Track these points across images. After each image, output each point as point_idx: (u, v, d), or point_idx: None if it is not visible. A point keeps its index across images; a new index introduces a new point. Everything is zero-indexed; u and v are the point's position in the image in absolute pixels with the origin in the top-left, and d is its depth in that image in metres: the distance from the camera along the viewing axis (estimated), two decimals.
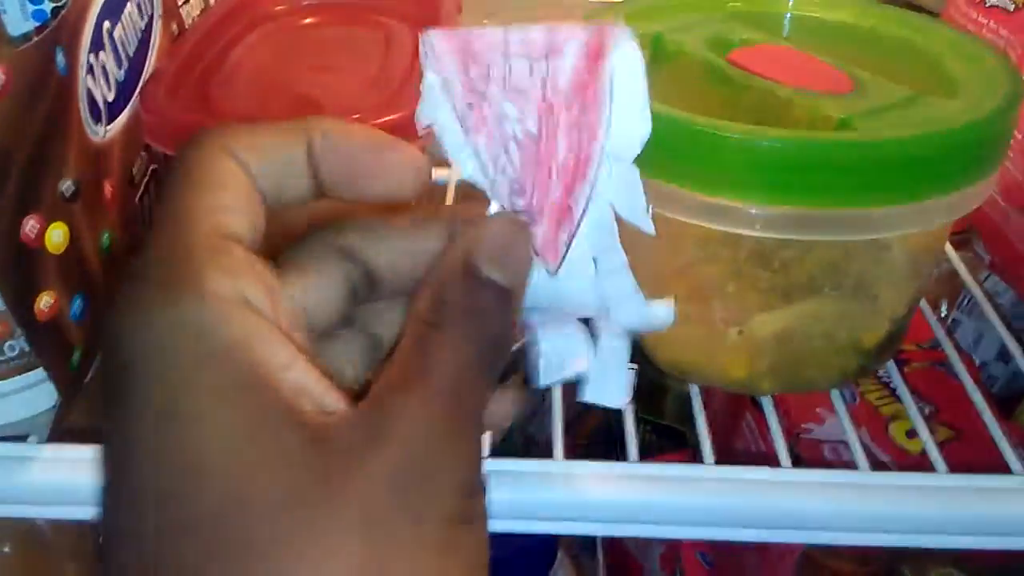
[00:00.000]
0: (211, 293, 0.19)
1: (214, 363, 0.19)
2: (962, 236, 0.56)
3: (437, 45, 0.23)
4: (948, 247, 0.51)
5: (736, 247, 0.34)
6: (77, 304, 0.33)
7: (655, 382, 0.65)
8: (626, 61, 0.23)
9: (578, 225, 0.24)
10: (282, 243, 0.23)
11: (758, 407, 0.49)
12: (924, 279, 0.38)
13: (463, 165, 0.23)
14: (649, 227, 0.23)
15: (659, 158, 0.33)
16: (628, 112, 0.23)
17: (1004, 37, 0.43)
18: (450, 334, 0.21)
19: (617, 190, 0.24)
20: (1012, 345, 0.43)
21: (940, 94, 0.35)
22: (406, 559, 0.18)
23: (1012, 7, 0.43)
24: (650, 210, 0.23)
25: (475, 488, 0.20)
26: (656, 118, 0.33)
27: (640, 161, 0.33)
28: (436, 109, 0.23)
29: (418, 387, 0.20)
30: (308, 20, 0.48)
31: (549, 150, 0.23)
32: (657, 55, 0.40)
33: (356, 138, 0.23)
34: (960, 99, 0.34)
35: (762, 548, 0.51)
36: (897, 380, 0.41)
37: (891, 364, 0.42)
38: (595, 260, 0.24)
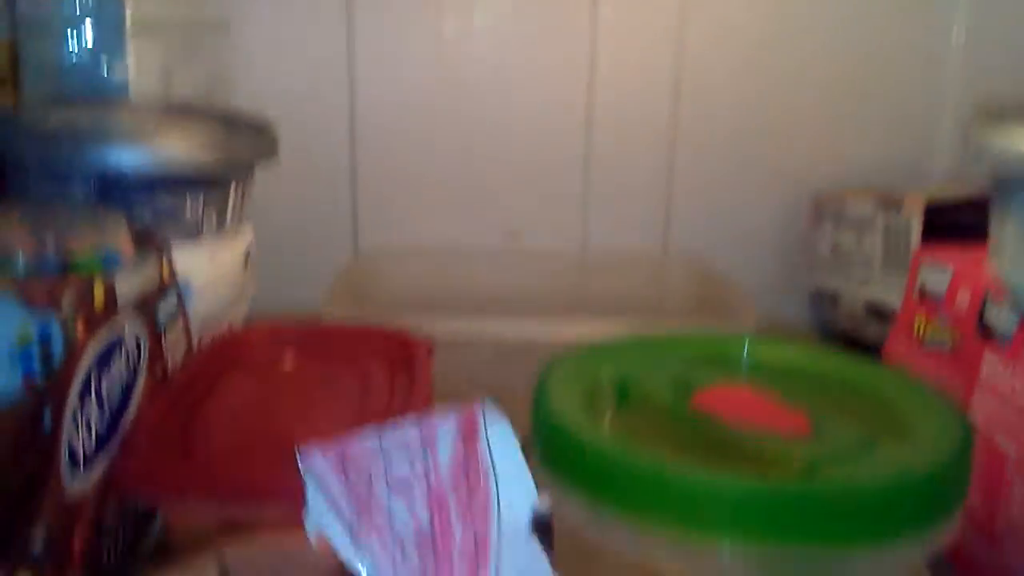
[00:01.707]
0: None
1: None
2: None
3: (315, 464, 0.24)
4: None
5: None
6: None
7: None
8: (500, 437, 0.24)
9: None
10: None
11: None
12: None
13: (358, 570, 0.24)
14: None
15: (630, 500, 0.33)
16: (512, 485, 0.24)
17: (943, 378, 0.46)
18: None
19: (519, 564, 0.24)
20: None
21: (894, 435, 0.37)
22: None
23: (949, 347, 0.46)
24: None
25: None
26: (627, 461, 0.34)
27: (610, 501, 0.34)
28: (322, 518, 0.24)
29: None
30: (287, 364, 0.50)
31: (446, 540, 0.24)
32: (621, 399, 0.42)
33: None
34: (916, 441, 0.36)
35: None
36: None
37: None
38: None
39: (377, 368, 0.49)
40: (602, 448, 0.35)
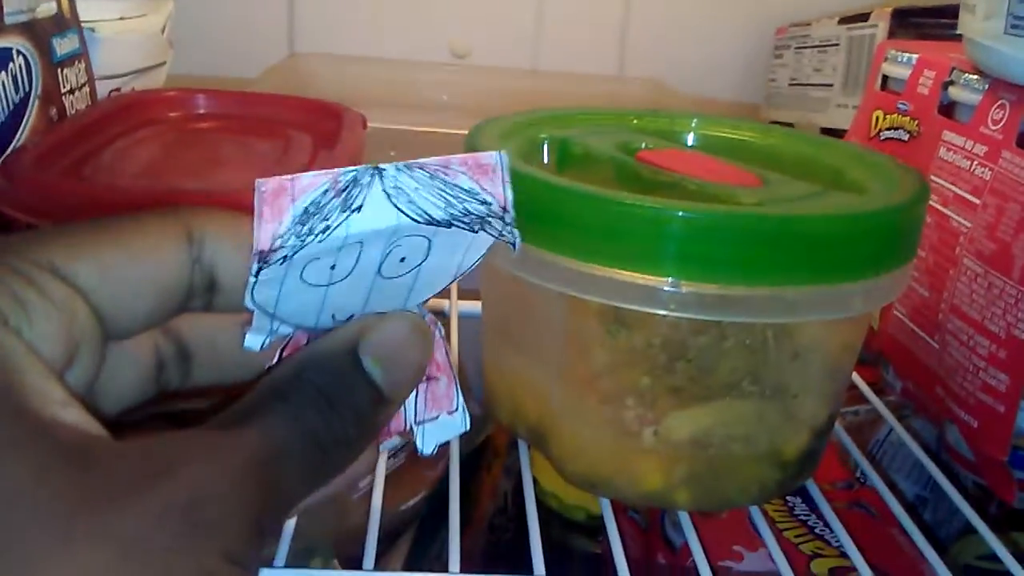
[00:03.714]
0: None
1: None
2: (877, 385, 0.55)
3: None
4: (868, 391, 0.49)
5: (649, 333, 0.32)
6: None
7: (561, 544, 0.60)
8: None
9: None
10: None
11: (671, 548, 0.45)
12: (841, 386, 0.36)
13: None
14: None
15: (571, 235, 0.31)
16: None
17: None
18: (289, 416, 0.18)
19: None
20: (943, 481, 0.41)
21: (847, 191, 0.34)
22: None
23: (907, 137, 0.44)
24: None
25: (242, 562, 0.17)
26: (569, 194, 0.31)
27: (552, 239, 0.31)
28: None
29: (224, 454, 0.17)
30: (204, 125, 0.46)
31: None
32: (563, 158, 0.39)
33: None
34: (869, 194, 0.34)
35: None
36: (827, 512, 0.38)
37: (810, 501, 0.39)
38: None
39: (301, 137, 0.46)
40: (539, 179, 0.32)
